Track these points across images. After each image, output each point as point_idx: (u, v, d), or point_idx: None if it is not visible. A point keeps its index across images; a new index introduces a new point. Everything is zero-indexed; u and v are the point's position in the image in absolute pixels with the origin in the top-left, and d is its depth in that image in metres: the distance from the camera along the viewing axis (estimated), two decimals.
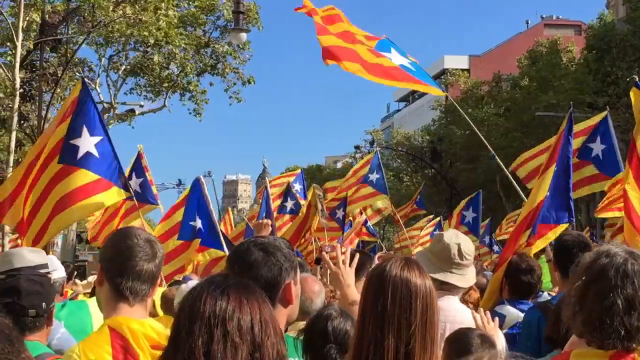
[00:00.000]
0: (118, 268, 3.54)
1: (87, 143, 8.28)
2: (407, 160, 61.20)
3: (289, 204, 17.14)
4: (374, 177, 18.19)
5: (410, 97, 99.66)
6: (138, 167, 13.62)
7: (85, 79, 9.03)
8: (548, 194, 7.51)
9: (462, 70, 66.43)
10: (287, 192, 17.40)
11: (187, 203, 10.79)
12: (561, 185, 7.74)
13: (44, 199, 8.29)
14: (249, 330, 2.37)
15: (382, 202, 19.78)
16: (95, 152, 8.29)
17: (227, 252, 10.02)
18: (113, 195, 8.43)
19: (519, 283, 6.25)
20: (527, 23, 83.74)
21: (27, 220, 8.31)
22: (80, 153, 8.26)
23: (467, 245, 5.18)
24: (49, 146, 8.40)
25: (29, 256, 5.54)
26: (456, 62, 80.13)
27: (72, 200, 8.23)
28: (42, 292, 4.33)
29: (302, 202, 17.00)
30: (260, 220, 8.48)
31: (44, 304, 4.29)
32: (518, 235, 7.40)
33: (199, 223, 10.46)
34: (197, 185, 10.82)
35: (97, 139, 8.33)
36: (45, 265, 5.56)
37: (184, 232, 10.66)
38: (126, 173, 13.38)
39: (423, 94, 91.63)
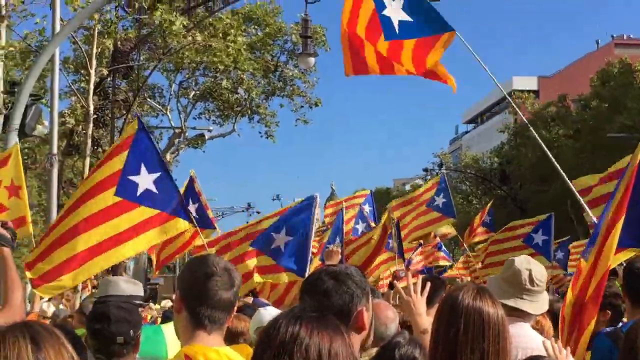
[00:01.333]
0: (196, 296, 3.58)
1: (146, 180, 8.37)
2: (475, 183, 60.72)
3: (360, 227, 17.05)
4: (440, 200, 17.90)
5: (479, 118, 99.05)
6: (193, 193, 13.67)
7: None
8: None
9: (531, 91, 65.81)
10: (358, 215, 17.31)
11: (287, 216, 10.28)
12: (637, 215, 7.40)
13: (92, 226, 8.37)
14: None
15: (446, 227, 19.54)
16: (154, 188, 8.37)
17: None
18: (175, 226, 8.51)
19: None
20: (598, 43, 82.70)
21: (58, 241, 8.39)
22: (140, 190, 8.35)
23: (539, 271, 5.11)
24: (101, 176, 8.50)
25: (124, 286, 5.68)
26: (525, 83, 79.42)
27: (131, 235, 8.36)
28: (130, 320, 4.42)
29: (373, 224, 16.89)
30: (330, 248, 8.46)
31: (131, 331, 4.39)
32: (590, 277, 7.03)
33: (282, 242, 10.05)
34: (310, 201, 10.24)
35: (155, 175, 8.41)
36: (139, 297, 5.70)
37: (259, 241, 10.32)
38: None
39: (492, 116, 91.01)
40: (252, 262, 10.20)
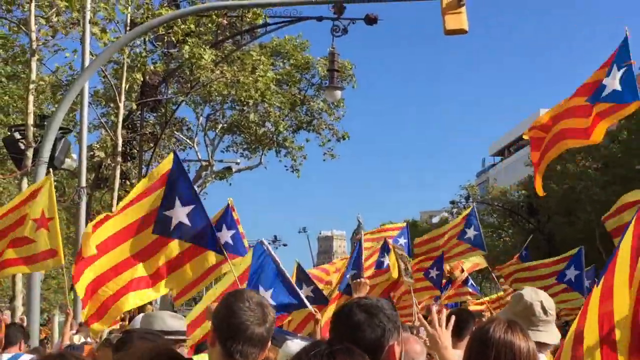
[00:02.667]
0: (230, 330, 3.59)
1: (179, 213, 8.48)
2: (503, 216, 60.39)
3: (386, 259, 16.99)
4: (471, 233, 17.87)
5: (506, 151, 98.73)
6: (230, 219, 13.76)
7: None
8: None
9: None
10: (383, 247, 17.25)
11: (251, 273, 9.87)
12: None
13: (132, 265, 8.48)
14: None
15: (476, 258, 19.48)
16: (187, 221, 8.45)
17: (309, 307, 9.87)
18: (208, 259, 8.58)
19: None
20: None
21: (102, 279, 8.49)
22: (173, 224, 8.46)
23: (549, 301, 5.19)
24: (140, 213, 8.58)
25: (170, 321, 5.71)
26: None
27: (168, 271, 8.45)
28: None
29: (408, 257, 16.89)
30: (359, 280, 8.40)
31: None
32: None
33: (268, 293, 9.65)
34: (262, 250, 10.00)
35: (188, 208, 8.50)
36: (182, 332, 5.72)
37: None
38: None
39: (519, 149, 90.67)
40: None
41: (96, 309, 8.55)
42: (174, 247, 8.46)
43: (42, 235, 10.19)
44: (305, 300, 9.70)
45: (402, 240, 17.89)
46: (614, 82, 10.21)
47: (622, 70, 10.16)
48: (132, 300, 8.59)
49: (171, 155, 8.89)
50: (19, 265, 10.44)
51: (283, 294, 9.70)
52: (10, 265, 10.43)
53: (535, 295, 5.13)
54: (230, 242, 13.49)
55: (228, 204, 14.16)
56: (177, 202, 8.50)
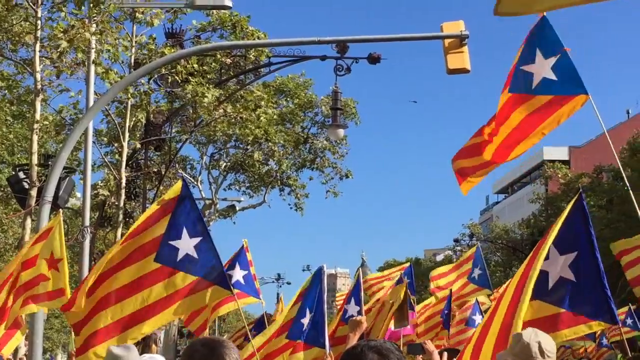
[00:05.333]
0: None
1: (187, 245, 8.37)
2: (507, 254, 60.24)
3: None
4: (476, 273, 17.92)
5: (509, 188, 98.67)
6: (243, 260, 13.94)
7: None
8: (573, 279, 7.24)
9: (562, 161, 65.55)
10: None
11: (305, 296, 10.43)
12: (592, 276, 7.36)
13: (131, 293, 8.40)
14: None
15: (482, 297, 19.46)
16: (194, 253, 8.36)
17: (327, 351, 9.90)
18: (214, 295, 8.49)
19: None
20: (628, 112, 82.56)
21: (100, 306, 8.42)
22: (180, 255, 8.35)
23: (548, 342, 5.12)
24: (143, 240, 8.51)
25: (116, 350, 5.72)
26: (556, 153, 79.15)
27: (172, 301, 8.36)
28: None
29: (411, 297, 16.85)
30: (356, 317, 8.41)
31: None
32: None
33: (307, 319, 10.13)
34: (319, 275, 10.52)
35: (196, 240, 8.40)
36: None
37: (294, 331, 10.40)
38: (225, 265, 13.67)
39: (522, 186, 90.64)
40: (296, 357, 10.18)
41: (88, 336, 8.41)
42: (179, 279, 8.36)
43: (54, 275, 10.18)
44: (327, 343, 9.86)
45: (406, 280, 17.87)
46: (542, 70, 9.02)
47: (555, 58, 8.96)
48: (135, 333, 8.50)
49: (179, 183, 8.77)
50: (28, 304, 10.41)
51: (316, 325, 9.98)
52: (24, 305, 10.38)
53: (534, 336, 5.10)
54: (242, 281, 13.67)
55: (243, 245, 14.34)
56: (185, 233, 8.38)
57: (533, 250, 7.61)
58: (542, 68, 8.95)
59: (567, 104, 8.98)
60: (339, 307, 15.16)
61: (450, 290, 17.32)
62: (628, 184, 8.87)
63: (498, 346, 6.60)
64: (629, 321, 16.27)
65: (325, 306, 10.32)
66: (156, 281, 8.35)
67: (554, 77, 8.92)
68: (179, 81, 22.54)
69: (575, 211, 7.70)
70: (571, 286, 7.26)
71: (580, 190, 7.93)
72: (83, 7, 17.04)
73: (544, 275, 7.23)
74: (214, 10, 22.27)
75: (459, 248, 64.76)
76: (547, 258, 7.29)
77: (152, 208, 8.83)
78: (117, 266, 8.49)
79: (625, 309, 16.80)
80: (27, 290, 10.16)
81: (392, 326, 12.99)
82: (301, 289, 11.02)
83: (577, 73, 8.78)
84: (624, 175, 17.09)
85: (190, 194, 8.81)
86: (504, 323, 6.84)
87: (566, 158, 76.83)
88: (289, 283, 75.48)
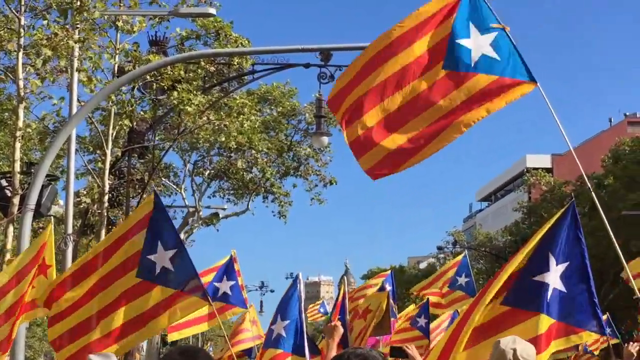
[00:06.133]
0: None
1: (163, 258, 8.36)
2: (491, 261, 60.44)
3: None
4: (463, 280, 17.89)
5: (493, 196, 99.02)
6: (231, 270, 13.93)
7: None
8: (564, 289, 7.30)
9: (545, 169, 65.82)
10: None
11: (279, 304, 10.47)
12: (582, 286, 7.41)
13: (114, 309, 8.40)
14: None
15: (466, 306, 19.45)
16: (170, 266, 8.35)
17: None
18: (191, 305, 8.47)
19: None
20: (610, 121, 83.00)
21: (85, 325, 8.42)
22: (157, 269, 8.33)
23: (526, 349, 5.29)
24: (124, 256, 8.52)
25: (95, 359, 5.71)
26: (538, 161, 79.55)
27: (151, 316, 8.36)
28: None
29: (393, 304, 16.83)
30: (330, 324, 8.42)
31: None
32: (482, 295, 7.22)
33: (281, 327, 10.11)
34: (295, 283, 10.56)
35: (171, 252, 8.38)
36: None
37: (267, 340, 10.37)
38: (209, 276, 13.64)
39: (505, 194, 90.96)
40: None
41: (72, 354, 8.39)
42: (158, 292, 8.34)
43: (39, 282, 10.11)
44: (307, 351, 9.82)
45: (388, 287, 17.90)
46: (480, 46, 7.55)
47: (492, 35, 7.57)
48: (118, 350, 8.49)
49: (151, 197, 8.77)
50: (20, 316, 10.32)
51: (295, 333, 9.90)
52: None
53: (511, 344, 5.28)
54: (229, 292, 13.66)
55: (231, 255, 14.32)
56: (160, 247, 8.38)
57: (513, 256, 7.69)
58: (479, 44, 7.58)
59: (513, 88, 7.57)
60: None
61: (427, 299, 17.25)
62: (594, 195, 8.52)
63: (467, 348, 6.68)
64: (607, 330, 16.34)
65: (303, 315, 10.30)
66: (138, 296, 8.36)
67: (495, 56, 7.58)
68: (165, 88, 22.49)
69: (568, 220, 7.71)
70: (562, 296, 7.30)
71: (573, 199, 7.94)
72: (67, 13, 16.98)
73: (545, 287, 7.27)
74: (198, 18, 22.26)
75: (442, 255, 64.95)
76: (547, 270, 7.34)
77: (125, 224, 8.89)
78: (101, 283, 8.50)
79: (604, 317, 16.88)
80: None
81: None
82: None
83: (519, 55, 7.58)
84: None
85: (163, 207, 8.83)
86: (475, 326, 6.91)
87: (549, 166, 77.18)
88: (272, 291, 75.55)
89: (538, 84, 7.48)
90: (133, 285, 8.38)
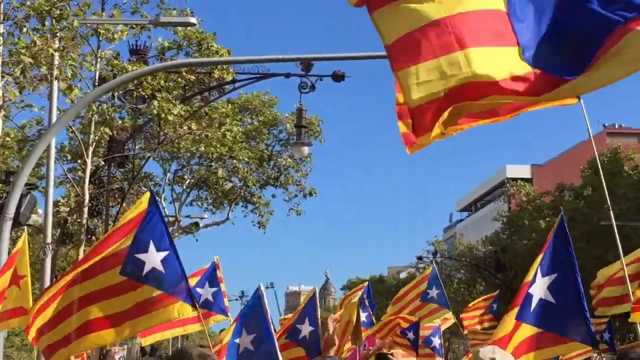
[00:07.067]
0: None
1: (154, 258, 8.19)
2: (471, 271, 60.58)
3: (362, 316, 16.94)
4: (434, 292, 17.88)
5: (473, 206, 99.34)
6: (213, 277, 13.88)
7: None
8: (553, 300, 7.41)
9: (524, 179, 66.13)
10: (361, 305, 17.21)
11: (241, 316, 10.03)
12: (571, 297, 7.48)
13: (94, 302, 8.27)
14: None
15: (446, 314, 19.47)
16: (161, 268, 8.21)
17: None
18: (179, 311, 8.37)
19: None
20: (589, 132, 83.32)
21: (62, 315, 8.31)
22: (146, 269, 8.18)
23: (504, 359, 5.39)
24: (108, 252, 8.40)
25: None
26: (518, 171, 79.92)
27: (134, 314, 8.23)
28: None
29: (370, 313, 16.84)
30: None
31: None
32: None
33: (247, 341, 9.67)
34: (256, 294, 10.07)
35: (163, 254, 8.26)
36: None
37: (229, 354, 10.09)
38: (192, 280, 13.58)
39: (485, 204, 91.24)
40: None
41: (50, 343, 8.29)
42: (144, 292, 8.21)
43: (12, 293, 10.02)
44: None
45: (366, 301, 17.93)
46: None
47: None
48: (92, 341, 8.39)
49: (147, 195, 8.61)
50: None
51: (265, 343, 9.62)
52: None
53: (490, 354, 5.35)
54: (211, 299, 13.60)
55: (214, 262, 14.26)
56: (152, 247, 8.22)
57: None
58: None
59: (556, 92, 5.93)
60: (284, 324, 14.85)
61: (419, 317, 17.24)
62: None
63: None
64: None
65: (272, 327, 10.02)
66: (120, 293, 8.23)
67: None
68: (145, 97, 22.44)
69: (558, 233, 7.81)
70: (550, 307, 7.37)
71: (562, 212, 8.03)
72: (46, 22, 16.91)
73: (529, 298, 7.38)
74: (180, 28, 22.25)
75: (422, 265, 64.97)
76: (533, 282, 7.43)
77: (118, 224, 8.76)
78: (80, 277, 8.38)
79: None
80: None
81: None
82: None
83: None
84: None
85: (158, 207, 8.64)
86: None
87: (529, 176, 77.54)
88: None
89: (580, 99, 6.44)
90: (117, 282, 8.24)
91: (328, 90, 55.62)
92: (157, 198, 27.02)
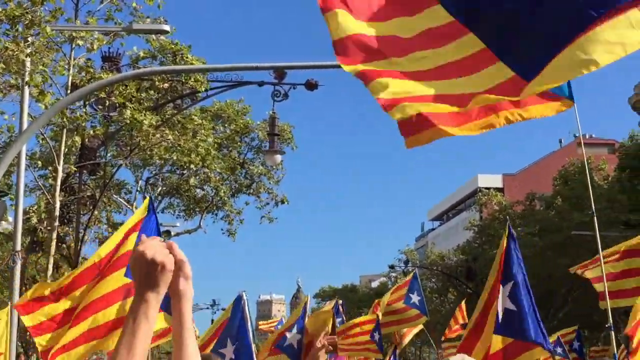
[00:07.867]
0: None
1: None
2: (443, 280, 60.78)
3: (337, 321, 16.98)
4: (415, 298, 17.95)
5: (445, 215, 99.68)
6: None
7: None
8: (514, 308, 7.53)
9: (496, 189, 66.47)
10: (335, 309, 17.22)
11: (226, 327, 10.18)
12: (526, 300, 7.66)
13: (103, 306, 8.35)
14: None
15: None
16: None
17: None
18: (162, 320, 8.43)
19: None
20: (561, 142, 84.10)
21: (74, 318, 8.34)
22: None
23: None
24: (116, 256, 8.50)
25: None
26: (490, 181, 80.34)
27: None
28: None
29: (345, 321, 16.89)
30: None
31: None
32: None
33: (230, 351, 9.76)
34: (239, 303, 10.23)
35: None
36: None
37: None
38: None
39: (457, 213, 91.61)
40: None
41: (60, 346, 8.30)
42: None
43: None
44: None
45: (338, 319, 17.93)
46: None
47: None
48: (96, 347, 8.46)
49: (147, 201, 8.81)
50: None
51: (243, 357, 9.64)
52: None
53: None
54: None
55: None
56: None
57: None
58: None
59: (552, 101, 6.13)
60: (266, 332, 14.85)
61: (378, 316, 17.27)
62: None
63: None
64: (559, 350, 16.47)
65: (251, 336, 10.01)
66: (126, 296, 8.35)
67: None
68: (117, 105, 22.34)
69: (509, 240, 8.03)
70: (514, 314, 7.48)
71: (508, 221, 8.32)
72: (18, 27, 16.78)
73: (496, 308, 7.54)
74: (154, 36, 22.18)
75: (394, 274, 65.11)
76: (498, 291, 7.60)
77: (122, 230, 8.88)
78: (94, 281, 8.45)
79: (554, 337, 17.02)
80: None
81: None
82: (220, 318, 10.74)
83: None
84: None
85: (155, 213, 8.85)
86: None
87: (500, 186, 77.95)
88: (223, 309, 74.93)
89: (574, 103, 6.40)
90: (122, 285, 8.36)
91: (301, 97, 55.69)
92: (129, 206, 26.66)
